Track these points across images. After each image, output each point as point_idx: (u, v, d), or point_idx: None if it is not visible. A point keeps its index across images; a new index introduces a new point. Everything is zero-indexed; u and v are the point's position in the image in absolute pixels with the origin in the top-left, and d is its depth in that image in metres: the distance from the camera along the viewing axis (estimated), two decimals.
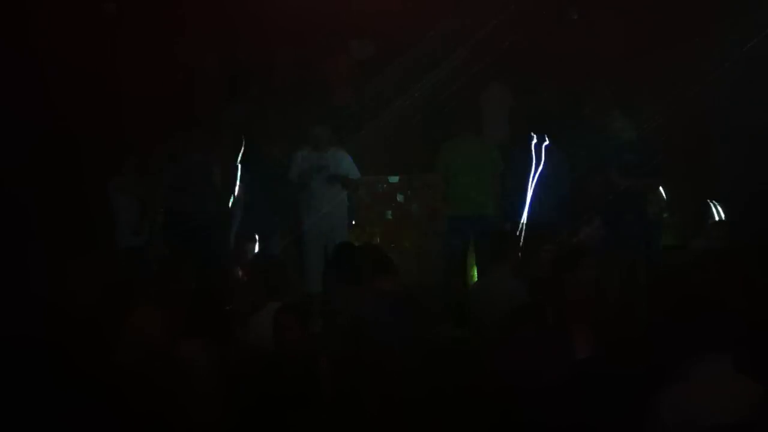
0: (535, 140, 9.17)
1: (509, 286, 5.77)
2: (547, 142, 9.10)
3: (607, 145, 8.46)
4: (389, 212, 10.21)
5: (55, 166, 8.93)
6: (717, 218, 8.69)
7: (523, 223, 8.45)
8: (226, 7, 10.72)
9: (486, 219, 8.34)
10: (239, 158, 9.03)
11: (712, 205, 8.78)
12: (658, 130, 8.69)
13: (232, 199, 8.93)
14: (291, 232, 8.76)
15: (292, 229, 8.75)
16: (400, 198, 10.30)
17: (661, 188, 8.52)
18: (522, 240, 8.12)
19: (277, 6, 10.29)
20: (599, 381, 4.13)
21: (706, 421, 3.58)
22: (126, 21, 10.50)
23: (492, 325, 5.31)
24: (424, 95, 10.38)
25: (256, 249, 8.82)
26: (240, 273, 8.45)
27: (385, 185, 10.25)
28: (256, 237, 8.85)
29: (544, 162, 9.07)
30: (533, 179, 8.98)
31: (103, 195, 8.80)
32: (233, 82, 10.42)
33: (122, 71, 9.69)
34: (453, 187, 8.49)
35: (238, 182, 8.95)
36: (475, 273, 8.64)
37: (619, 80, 9.92)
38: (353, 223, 9.15)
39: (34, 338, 5.51)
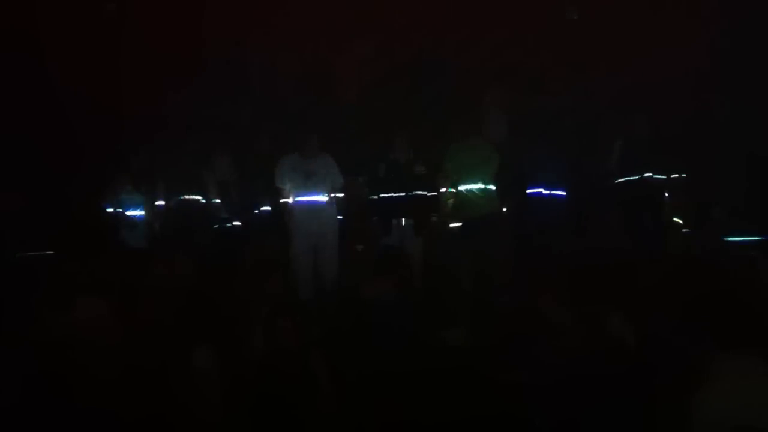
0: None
1: None
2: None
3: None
4: None
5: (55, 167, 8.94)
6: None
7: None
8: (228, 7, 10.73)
9: (493, 220, 8.36)
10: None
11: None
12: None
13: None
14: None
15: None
16: None
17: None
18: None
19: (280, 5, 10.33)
20: (595, 381, 4.15)
21: (733, 420, 3.56)
22: (128, 20, 10.53)
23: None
24: (428, 97, 10.36)
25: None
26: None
27: None
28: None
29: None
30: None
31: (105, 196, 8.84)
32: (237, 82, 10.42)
33: (124, 71, 9.70)
34: (460, 190, 8.51)
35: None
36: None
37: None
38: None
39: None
